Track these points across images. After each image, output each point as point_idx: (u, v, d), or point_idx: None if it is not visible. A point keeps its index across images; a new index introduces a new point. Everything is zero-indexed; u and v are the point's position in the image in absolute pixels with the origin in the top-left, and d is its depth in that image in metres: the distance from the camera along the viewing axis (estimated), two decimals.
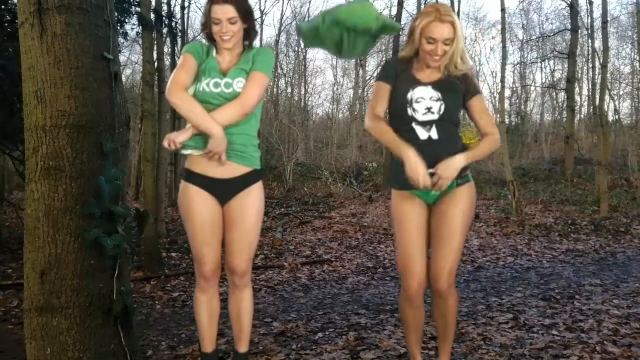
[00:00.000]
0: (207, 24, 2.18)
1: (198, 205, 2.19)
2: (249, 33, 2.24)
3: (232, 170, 2.19)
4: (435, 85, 2.21)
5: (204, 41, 2.31)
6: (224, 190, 2.20)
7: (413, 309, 2.34)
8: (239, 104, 2.13)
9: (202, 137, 2.14)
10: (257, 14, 22.55)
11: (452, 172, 2.12)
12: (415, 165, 2.07)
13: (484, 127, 2.28)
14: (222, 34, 2.15)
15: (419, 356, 2.44)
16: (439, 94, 2.20)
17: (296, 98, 26.38)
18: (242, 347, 2.35)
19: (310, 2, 46.18)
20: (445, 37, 2.10)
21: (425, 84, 2.22)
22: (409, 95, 2.21)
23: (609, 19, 12.68)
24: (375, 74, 26.51)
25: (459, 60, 2.18)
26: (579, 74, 21.32)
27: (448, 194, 2.25)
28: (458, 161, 2.14)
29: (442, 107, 2.19)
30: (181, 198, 2.24)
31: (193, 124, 2.11)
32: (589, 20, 15.25)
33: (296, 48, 26.13)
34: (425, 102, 2.19)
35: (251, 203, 2.22)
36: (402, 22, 14.49)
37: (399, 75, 2.25)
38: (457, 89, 2.23)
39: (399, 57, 2.29)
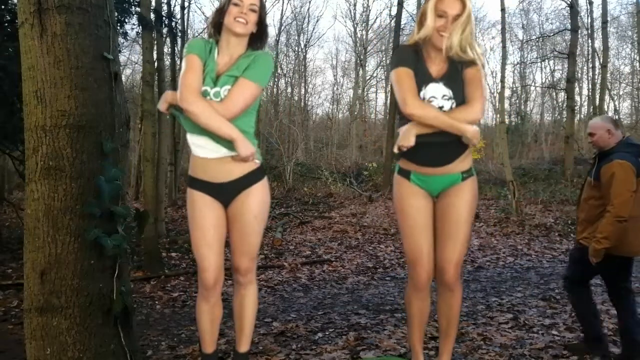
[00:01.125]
0: (225, 7, 2.11)
1: (201, 210, 2.18)
2: (259, 36, 2.20)
3: (231, 172, 2.18)
4: (446, 80, 2.21)
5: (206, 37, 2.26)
6: (225, 193, 2.19)
7: (420, 301, 2.35)
8: (220, 110, 2.07)
9: (207, 135, 2.11)
10: None
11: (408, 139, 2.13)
12: (476, 133, 2.15)
13: (467, 95, 2.18)
14: (240, 16, 2.08)
15: (421, 354, 2.43)
16: (451, 92, 2.20)
17: (296, 98, 26.39)
18: (243, 347, 2.34)
19: (310, 2, 46.21)
20: (456, 13, 2.10)
21: (436, 80, 2.21)
22: (421, 94, 2.21)
23: (609, 19, 12.71)
24: (375, 74, 26.54)
25: (467, 47, 2.14)
26: (579, 74, 21.33)
27: (453, 187, 2.26)
28: (408, 129, 2.15)
29: (454, 106, 2.20)
30: (187, 204, 2.25)
31: (211, 131, 2.07)
32: (589, 20, 15.28)
33: (296, 48, 26.17)
34: (437, 101, 2.20)
35: (253, 202, 2.20)
36: (402, 22, 14.50)
37: (415, 63, 2.21)
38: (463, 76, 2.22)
39: (408, 44, 2.25)
